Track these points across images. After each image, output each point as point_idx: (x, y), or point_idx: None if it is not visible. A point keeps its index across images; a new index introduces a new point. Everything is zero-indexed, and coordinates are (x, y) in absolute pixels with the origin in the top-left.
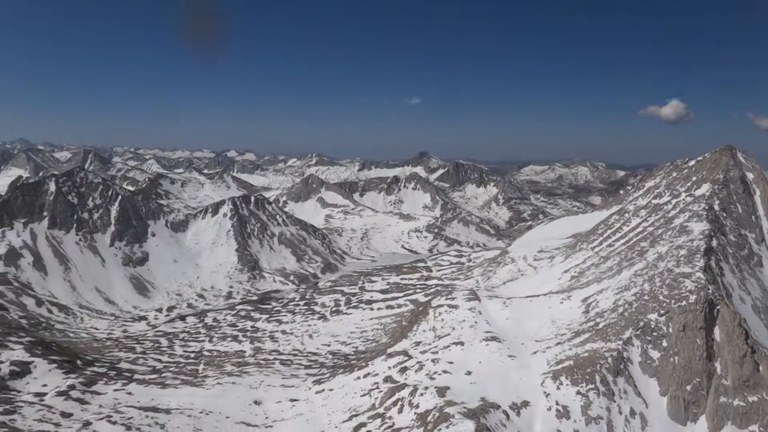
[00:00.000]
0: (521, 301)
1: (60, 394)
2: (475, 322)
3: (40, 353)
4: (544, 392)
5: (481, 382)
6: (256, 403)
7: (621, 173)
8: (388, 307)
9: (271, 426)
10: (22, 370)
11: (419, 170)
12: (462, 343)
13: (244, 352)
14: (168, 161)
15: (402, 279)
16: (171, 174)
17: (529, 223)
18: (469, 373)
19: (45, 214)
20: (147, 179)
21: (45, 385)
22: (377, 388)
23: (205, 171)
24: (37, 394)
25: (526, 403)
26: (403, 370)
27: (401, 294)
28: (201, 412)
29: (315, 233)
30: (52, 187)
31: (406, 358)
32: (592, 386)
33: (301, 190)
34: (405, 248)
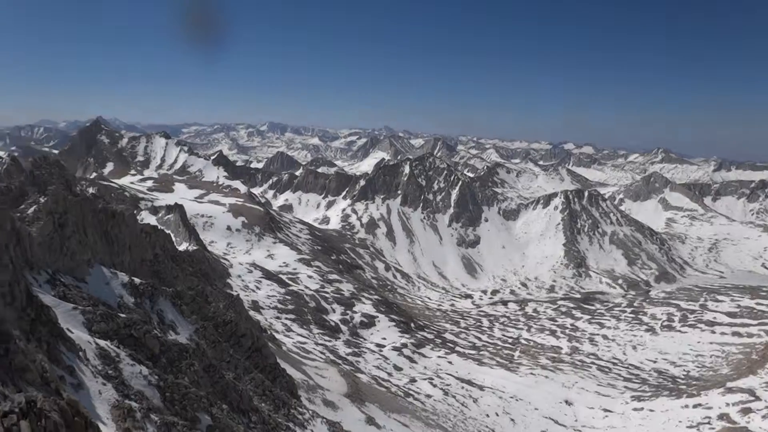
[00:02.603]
0: None
1: (395, 349)
2: None
3: (383, 311)
4: None
5: None
6: (567, 402)
7: None
8: (735, 333)
9: (580, 430)
10: (369, 322)
11: None
12: None
13: (561, 348)
14: (506, 151)
15: (758, 304)
16: (507, 164)
17: None
18: None
19: (399, 192)
20: (485, 167)
21: (384, 339)
22: (708, 423)
23: (541, 162)
24: (377, 345)
25: None
26: (746, 411)
27: (754, 322)
28: (511, 397)
29: (652, 237)
30: (407, 169)
31: (752, 398)
32: None
33: (640, 189)
34: (766, 267)
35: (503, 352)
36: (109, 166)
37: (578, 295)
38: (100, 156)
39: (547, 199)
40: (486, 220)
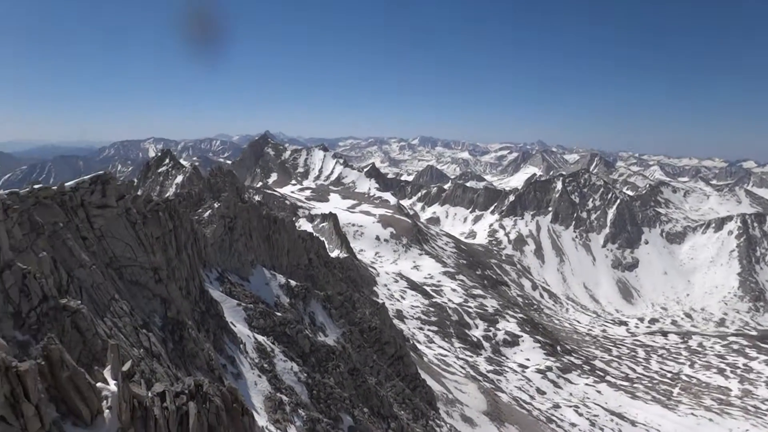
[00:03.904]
0: None
1: (539, 371)
2: None
3: (528, 330)
4: None
5: None
6: None
7: None
8: None
9: None
10: (512, 340)
11: None
12: None
13: (729, 390)
14: (672, 169)
15: None
16: (674, 182)
17: None
18: None
19: (550, 209)
20: (648, 186)
21: (528, 360)
22: None
23: (713, 182)
24: (520, 365)
25: None
26: None
27: None
28: None
29: None
30: (559, 185)
31: None
32: None
33: None
34: None
35: (660, 387)
36: (273, 176)
37: (754, 332)
38: (266, 167)
39: (720, 223)
40: (646, 243)
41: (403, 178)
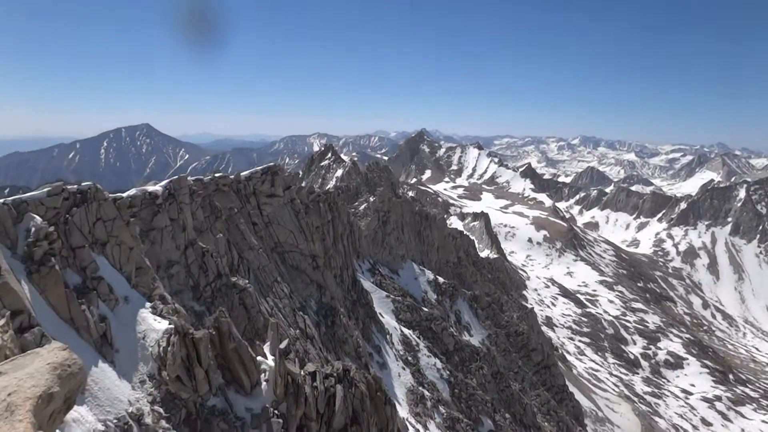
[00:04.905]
0: None
1: (705, 400)
2: None
3: (695, 353)
4: None
5: None
6: None
7: None
8: None
9: None
10: (675, 362)
11: None
12: None
13: None
14: None
15: None
16: None
17: None
18: None
19: (729, 219)
20: None
21: (693, 385)
22: None
23: None
24: (683, 390)
25: None
26: None
27: None
28: None
29: None
30: (742, 194)
31: None
32: None
33: None
34: None
35: None
36: (427, 173)
37: None
38: (420, 163)
39: None
40: None
41: (560, 180)
